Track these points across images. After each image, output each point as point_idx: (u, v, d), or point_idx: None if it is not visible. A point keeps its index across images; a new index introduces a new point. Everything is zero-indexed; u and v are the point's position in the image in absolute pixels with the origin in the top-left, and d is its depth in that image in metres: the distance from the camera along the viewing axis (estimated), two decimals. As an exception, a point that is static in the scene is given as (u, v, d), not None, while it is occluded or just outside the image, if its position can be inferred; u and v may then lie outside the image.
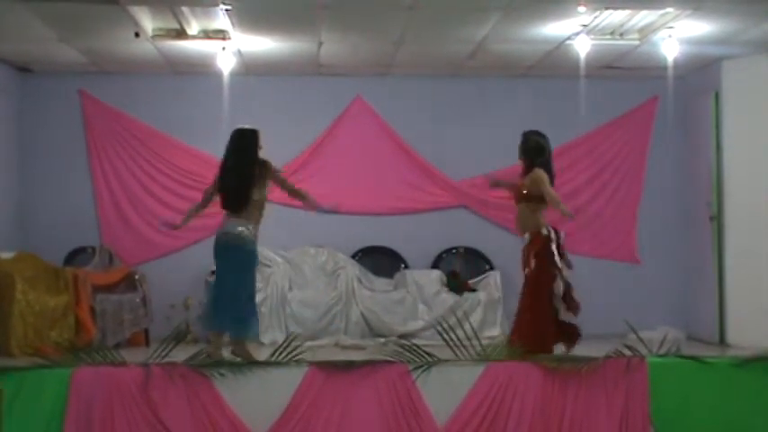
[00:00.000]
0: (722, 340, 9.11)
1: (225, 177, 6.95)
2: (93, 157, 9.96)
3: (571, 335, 7.15)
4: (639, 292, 9.91)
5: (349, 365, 6.39)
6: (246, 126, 7.08)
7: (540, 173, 7.21)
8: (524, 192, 7.22)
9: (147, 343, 8.93)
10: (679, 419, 6.38)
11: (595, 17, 7.88)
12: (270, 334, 9.07)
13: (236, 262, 6.89)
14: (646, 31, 8.38)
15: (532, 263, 7.14)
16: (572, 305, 7.13)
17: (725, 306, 9.17)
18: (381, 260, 10.07)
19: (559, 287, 7.09)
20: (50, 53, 9.08)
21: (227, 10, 7.60)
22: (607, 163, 10.18)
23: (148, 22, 8.19)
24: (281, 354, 6.41)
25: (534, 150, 7.32)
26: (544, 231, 7.13)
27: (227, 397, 6.18)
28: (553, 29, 8.22)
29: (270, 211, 9.99)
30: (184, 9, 7.86)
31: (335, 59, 9.41)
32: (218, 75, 9.12)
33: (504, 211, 10.08)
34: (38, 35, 8.35)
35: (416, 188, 10.15)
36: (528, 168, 7.33)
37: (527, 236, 7.24)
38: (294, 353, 6.39)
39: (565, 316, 7.10)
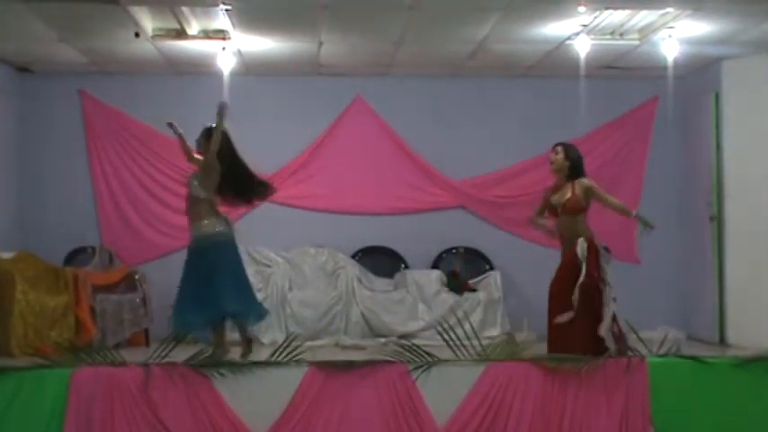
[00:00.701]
0: (722, 340, 9.11)
1: (238, 170, 7.12)
2: (94, 157, 9.97)
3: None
4: (639, 292, 9.89)
5: (349, 365, 6.39)
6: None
7: (590, 182, 7.06)
8: (579, 205, 7.02)
9: (147, 343, 8.93)
10: (679, 419, 6.37)
11: (595, 17, 7.88)
12: (270, 334, 9.07)
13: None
14: (646, 31, 8.39)
15: (594, 274, 6.81)
16: (614, 330, 6.80)
17: (725, 306, 9.17)
18: (381, 260, 10.07)
19: (609, 296, 6.82)
20: (50, 53, 9.09)
21: (227, 10, 7.61)
22: (607, 163, 10.17)
23: (148, 22, 8.19)
24: (281, 354, 6.41)
25: (579, 162, 7.18)
26: (595, 241, 6.98)
27: (227, 397, 6.18)
28: (553, 29, 8.23)
29: (270, 211, 10.09)
30: (184, 9, 7.86)
31: (335, 59, 9.42)
32: (218, 75, 9.12)
33: (504, 211, 10.10)
34: (38, 35, 8.35)
35: (416, 188, 10.15)
36: (567, 179, 7.10)
37: (581, 244, 6.88)
38: (294, 353, 6.39)
39: (609, 342, 6.73)
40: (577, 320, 6.77)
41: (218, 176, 7.00)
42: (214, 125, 7.01)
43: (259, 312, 7.24)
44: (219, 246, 6.93)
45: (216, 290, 6.85)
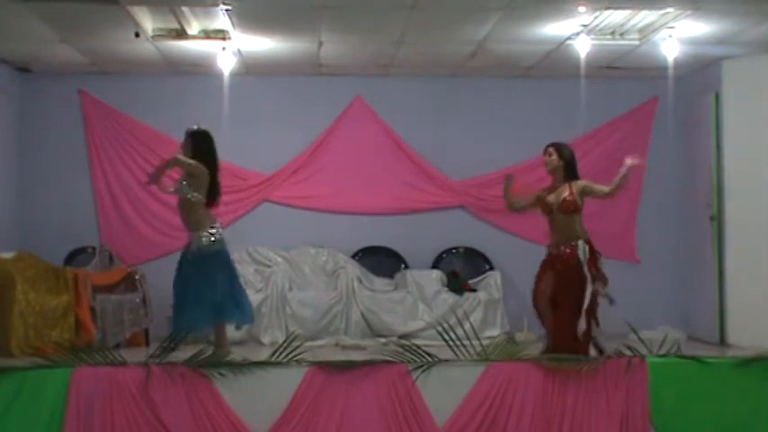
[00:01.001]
0: (722, 340, 9.10)
1: (219, 175, 7.17)
2: (93, 157, 9.96)
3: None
4: (639, 292, 9.90)
5: (349, 365, 6.40)
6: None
7: (584, 182, 7.14)
8: (576, 205, 7.05)
9: (147, 343, 8.92)
10: (679, 419, 6.38)
11: (595, 17, 7.88)
12: (270, 334, 9.07)
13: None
14: (646, 31, 8.39)
15: (596, 274, 6.90)
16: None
17: (725, 306, 9.16)
18: (381, 260, 10.07)
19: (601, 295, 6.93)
20: (50, 53, 9.08)
21: (227, 10, 7.60)
22: (607, 163, 10.15)
23: (148, 22, 8.19)
24: (281, 354, 6.41)
25: (573, 160, 7.21)
26: (592, 241, 7.03)
27: (228, 397, 6.19)
28: (553, 29, 8.23)
29: (270, 211, 10.10)
30: (184, 9, 7.86)
31: (335, 59, 9.41)
32: (218, 75, 9.12)
33: (504, 211, 10.08)
34: (38, 35, 8.35)
35: (416, 188, 10.15)
36: (564, 179, 7.17)
37: (582, 247, 6.97)
38: (294, 353, 6.39)
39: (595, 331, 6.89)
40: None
41: (207, 178, 7.07)
42: (195, 127, 7.23)
43: (252, 316, 7.49)
44: (220, 250, 7.04)
45: (222, 295, 6.98)
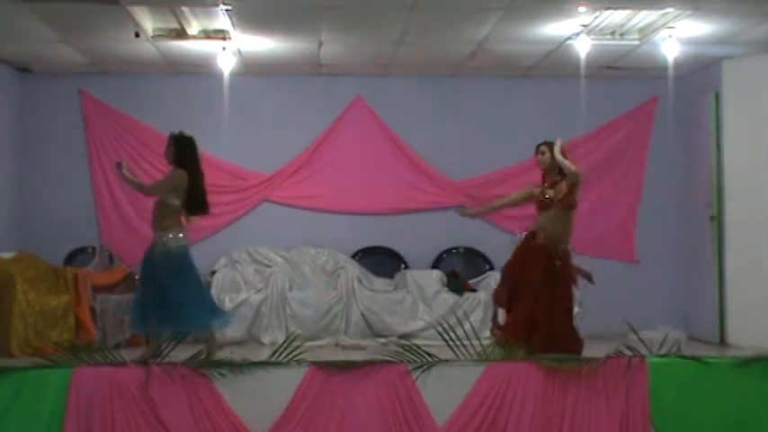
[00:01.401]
0: (722, 340, 9.11)
1: (201, 182, 7.00)
2: (94, 157, 9.97)
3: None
4: (639, 292, 9.91)
5: (349, 365, 6.39)
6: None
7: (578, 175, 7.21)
8: (575, 201, 7.10)
9: (148, 343, 8.90)
10: (679, 419, 6.37)
11: (595, 17, 7.89)
12: (270, 334, 9.08)
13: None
14: (646, 32, 8.39)
15: (577, 276, 7.07)
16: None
17: (725, 306, 9.17)
18: (381, 260, 10.08)
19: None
20: (50, 53, 9.09)
21: (227, 10, 7.61)
22: (607, 163, 10.18)
23: (148, 22, 8.19)
24: (281, 354, 6.41)
25: (566, 158, 7.26)
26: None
27: (228, 397, 6.18)
28: (553, 29, 8.23)
29: (270, 211, 10.10)
30: (184, 9, 7.87)
31: (335, 59, 9.42)
32: (218, 75, 9.13)
33: (504, 211, 10.07)
34: (38, 35, 8.35)
35: (416, 188, 10.16)
36: (560, 176, 7.18)
37: (570, 248, 7.04)
38: (294, 353, 6.38)
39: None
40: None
41: (184, 184, 6.93)
42: (178, 132, 7.08)
43: (223, 315, 7.43)
44: (186, 256, 6.96)
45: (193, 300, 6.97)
